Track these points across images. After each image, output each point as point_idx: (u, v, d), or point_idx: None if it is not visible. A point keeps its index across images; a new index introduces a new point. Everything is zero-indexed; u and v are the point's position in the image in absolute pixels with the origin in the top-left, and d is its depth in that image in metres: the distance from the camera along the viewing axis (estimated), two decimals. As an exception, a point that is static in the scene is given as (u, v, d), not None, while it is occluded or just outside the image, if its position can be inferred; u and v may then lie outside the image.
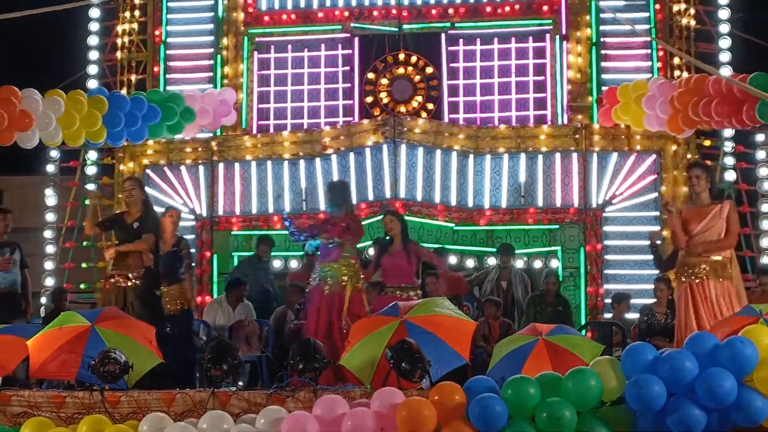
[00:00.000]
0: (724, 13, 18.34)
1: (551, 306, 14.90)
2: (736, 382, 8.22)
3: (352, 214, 12.81)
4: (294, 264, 17.25)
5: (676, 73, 17.53)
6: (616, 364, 8.59)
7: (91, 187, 18.91)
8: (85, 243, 18.99)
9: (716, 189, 11.24)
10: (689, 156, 17.46)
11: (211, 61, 18.94)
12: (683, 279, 10.98)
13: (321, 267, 12.36)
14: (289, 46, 19.10)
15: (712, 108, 14.25)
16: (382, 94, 18.55)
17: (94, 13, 19.36)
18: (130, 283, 12.05)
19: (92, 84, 18.58)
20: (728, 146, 18.03)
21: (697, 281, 10.85)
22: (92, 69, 19.17)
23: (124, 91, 17.94)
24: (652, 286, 14.86)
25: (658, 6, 18.23)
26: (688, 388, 8.28)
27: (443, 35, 18.69)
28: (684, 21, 18.35)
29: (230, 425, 8.69)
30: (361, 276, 12.45)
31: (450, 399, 8.48)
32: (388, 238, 13.49)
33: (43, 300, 17.83)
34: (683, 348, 8.58)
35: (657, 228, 16.95)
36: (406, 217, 15.43)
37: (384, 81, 18.58)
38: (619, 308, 15.76)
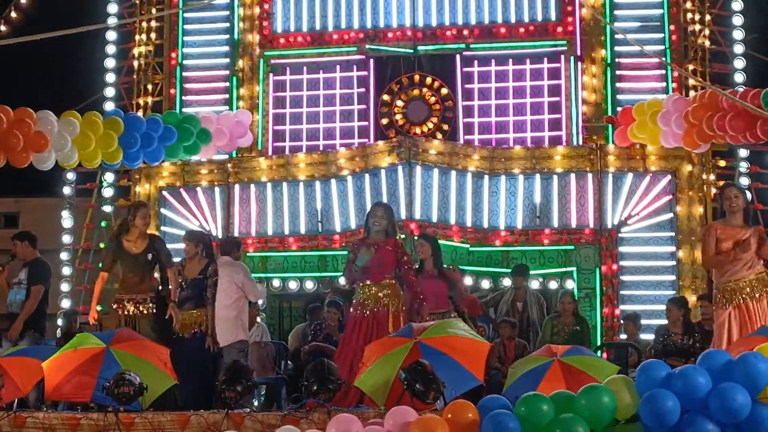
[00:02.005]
0: (738, 34, 18.39)
1: (569, 326, 14.86)
2: (750, 397, 8.19)
3: (398, 239, 12.55)
4: (310, 285, 17.23)
5: (691, 93, 17.49)
6: (629, 382, 8.57)
7: (107, 209, 19.04)
8: (100, 265, 19.03)
9: (751, 212, 11.22)
10: (704, 176, 17.47)
11: (227, 83, 19.02)
12: (725, 303, 10.95)
13: (361, 288, 12.05)
14: (305, 68, 19.15)
15: (727, 122, 14.26)
16: (398, 116, 18.61)
17: (111, 35, 19.49)
18: (139, 311, 12.13)
19: (109, 106, 18.64)
20: (743, 167, 18.02)
21: (741, 302, 10.83)
22: (108, 91, 19.28)
23: (140, 114, 17.97)
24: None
25: (672, 27, 18.27)
26: (701, 404, 8.25)
27: (458, 56, 18.73)
28: (699, 42, 18.37)
29: (244, 445, 8.72)
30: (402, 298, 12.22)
31: (463, 417, 8.44)
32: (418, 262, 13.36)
33: (59, 322, 17.89)
34: (697, 364, 8.56)
35: (673, 248, 17.05)
36: (422, 239, 15.49)
37: (399, 102, 18.64)
38: (628, 328, 15.73)
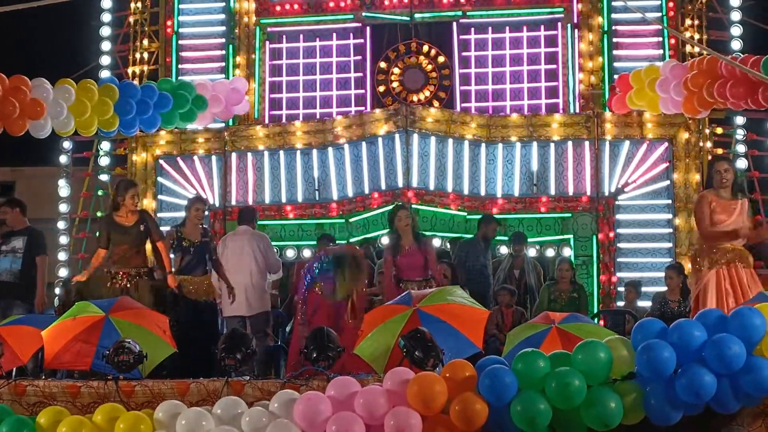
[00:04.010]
0: (735, 1, 18.32)
1: (566, 294, 14.89)
2: (744, 348, 8.24)
3: None
4: (307, 253, 17.23)
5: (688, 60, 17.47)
6: (626, 341, 8.64)
7: (104, 177, 19.02)
8: (98, 233, 19.05)
9: (737, 185, 11.21)
10: (701, 144, 17.45)
11: (223, 52, 18.96)
12: (711, 265, 10.90)
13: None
14: (301, 36, 19.11)
15: (727, 90, 14.21)
16: (394, 84, 18.61)
17: (106, 3, 19.40)
18: (133, 284, 12.20)
19: (104, 75, 18.55)
20: (740, 134, 18.02)
21: (730, 265, 10.81)
22: (104, 60, 19.22)
23: (136, 82, 17.91)
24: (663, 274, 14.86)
25: (669, -7, 18.24)
26: (697, 356, 8.30)
27: (455, 24, 18.71)
28: (696, 8, 18.32)
29: (244, 409, 8.74)
30: None
31: (461, 374, 8.54)
32: (392, 232, 13.47)
33: (57, 291, 17.88)
34: (693, 319, 8.63)
35: (670, 216, 17.09)
36: (419, 207, 15.52)
37: (396, 70, 18.64)
38: (629, 295, 15.77)
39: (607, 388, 8.43)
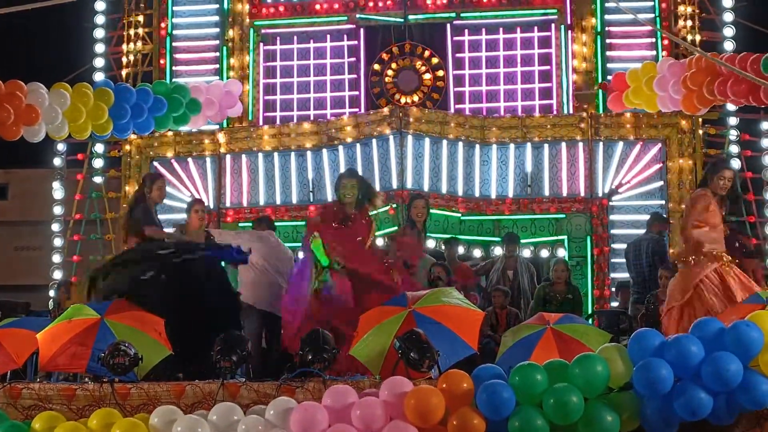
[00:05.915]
0: (727, 2, 18.37)
1: (561, 294, 14.86)
2: (741, 365, 8.25)
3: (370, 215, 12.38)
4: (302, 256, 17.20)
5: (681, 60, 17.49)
6: (622, 350, 8.62)
7: (98, 179, 19.02)
8: (92, 236, 19.07)
9: (732, 197, 11.15)
10: (695, 144, 17.47)
11: (217, 53, 18.99)
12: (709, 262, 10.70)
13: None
14: (295, 38, 19.13)
15: (728, 87, 14.13)
16: (388, 85, 18.61)
17: (100, 5, 19.40)
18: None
19: (98, 77, 18.55)
20: (733, 134, 18.05)
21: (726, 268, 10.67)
22: (98, 62, 19.22)
23: (129, 84, 17.91)
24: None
25: (662, -6, 18.27)
26: (694, 372, 8.31)
27: (448, 26, 18.75)
28: (688, 10, 18.35)
29: (240, 416, 8.73)
30: None
31: (458, 387, 8.52)
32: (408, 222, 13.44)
33: (52, 293, 17.90)
34: (689, 333, 8.61)
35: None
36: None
37: (390, 72, 18.65)
38: (623, 296, 15.76)
39: (604, 404, 8.43)
